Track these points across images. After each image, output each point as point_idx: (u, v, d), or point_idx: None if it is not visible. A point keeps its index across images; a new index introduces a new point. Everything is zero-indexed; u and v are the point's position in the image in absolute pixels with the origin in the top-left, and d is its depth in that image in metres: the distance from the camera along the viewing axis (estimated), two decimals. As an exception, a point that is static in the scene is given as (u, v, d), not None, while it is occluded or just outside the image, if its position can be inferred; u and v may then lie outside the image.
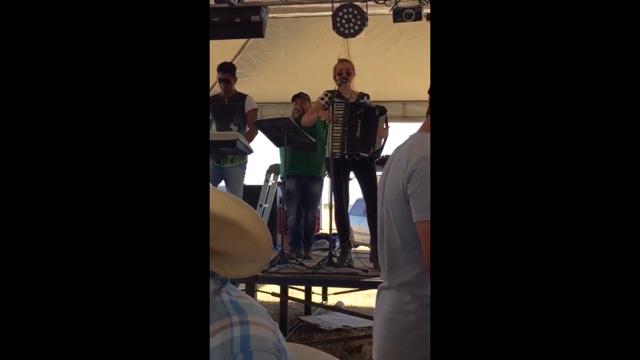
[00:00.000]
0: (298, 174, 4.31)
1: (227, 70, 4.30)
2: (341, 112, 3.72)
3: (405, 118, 6.27)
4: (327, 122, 3.87)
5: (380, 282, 1.54)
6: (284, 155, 4.45)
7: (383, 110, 3.81)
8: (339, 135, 3.70)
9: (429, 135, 1.42)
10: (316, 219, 4.71)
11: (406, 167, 1.36)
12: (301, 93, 4.63)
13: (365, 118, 3.67)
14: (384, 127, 3.83)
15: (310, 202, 4.56)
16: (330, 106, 3.69)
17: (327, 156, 3.80)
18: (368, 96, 3.90)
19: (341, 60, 3.99)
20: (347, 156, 3.68)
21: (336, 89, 3.76)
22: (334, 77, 3.86)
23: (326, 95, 3.87)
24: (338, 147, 3.69)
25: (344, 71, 3.82)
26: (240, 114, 4.29)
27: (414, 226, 1.34)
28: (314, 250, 5.13)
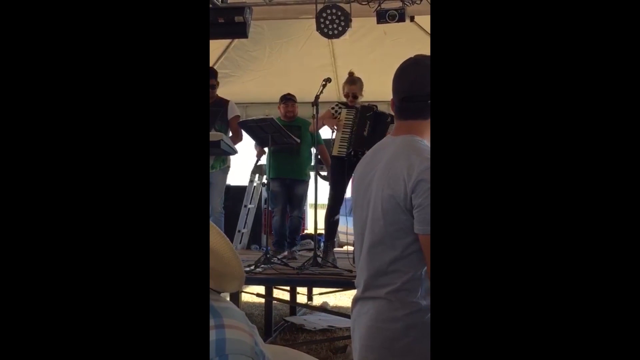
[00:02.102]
0: (282, 177, 4.30)
1: (213, 75, 4.29)
2: (351, 117, 3.86)
3: (390, 119, 6.30)
4: (333, 129, 3.99)
5: None
6: (267, 158, 4.46)
7: (393, 119, 3.87)
8: (347, 137, 3.83)
9: (419, 138, 1.37)
10: (301, 219, 4.68)
11: (408, 176, 1.28)
12: (289, 95, 4.51)
13: (374, 121, 3.78)
14: None
15: (296, 203, 4.55)
16: (341, 110, 3.89)
17: (333, 154, 3.93)
18: (376, 106, 4.01)
19: (350, 82, 4.05)
20: (352, 152, 3.77)
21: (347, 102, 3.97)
22: (345, 96, 4.03)
23: (337, 105, 4.04)
24: (344, 148, 3.82)
25: (350, 95, 3.98)
26: (222, 120, 4.24)
27: (412, 236, 1.29)
28: (299, 250, 5.12)
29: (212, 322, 0.80)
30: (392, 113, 3.80)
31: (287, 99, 4.48)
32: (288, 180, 4.31)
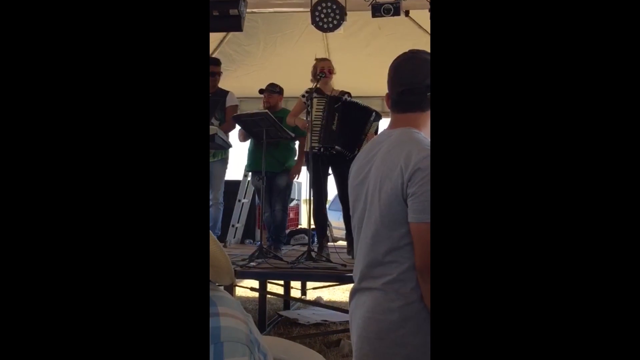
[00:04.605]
0: (260, 170, 4.07)
1: (217, 64, 4.33)
2: (321, 107, 3.69)
3: (384, 114, 6.27)
4: (303, 129, 3.86)
5: None
6: (248, 152, 4.43)
7: (378, 117, 3.69)
8: (317, 130, 3.66)
9: (416, 130, 1.38)
10: (285, 213, 4.51)
11: (406, 165, 1.29)
12: (268, 86, 4.48)
13: (343, 113, 3.59)
14: (374, 134, 3.70)
15: (277, 196, 4.40)
16: (310, 101, 3.69)
17: (306, 150, 3.78)
18: (349, 94, 3.89)
19: (321, 59, 4.03)
20: (322, 149, 3.61)
21: (315, 85, 3.77)
22: (314, 76, 3.88)
23: (307, 92, 3.90)
24: (316, 142, 3.65)
25: (325, 69, 3.87)
26: (221, 109, 4.28)
27: (407, 226, 1.30)
28: (293, 245, 5.11)
29: None
30: (378, 112, 3.69)
31: (265, 90, 4.42)
32: (268, 174, 4.16)
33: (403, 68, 1.44)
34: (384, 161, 1.37)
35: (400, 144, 1.35)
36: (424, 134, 1.39)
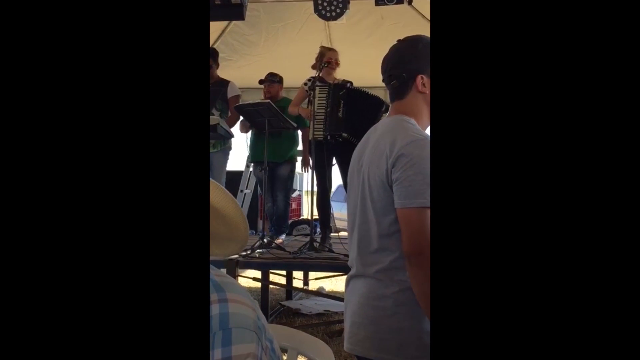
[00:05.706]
0: (263, 160, 4.04)
1: (211, 56, 4.28)
2: (324, 96, 3.63)
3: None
4: (306, 119, 3.84)
5: None
6: (250, 142, 4.42)
7: (387, 108, 3.56)
8: (322, 118, 3.61)
9: (407, 117, 1.41)
10: (288, 203, 4.49)
11: (390, 152, 1.32)
12: (267, 76, 4.45)
13: (349, 100, 3.54)
14: None
15: (279, 186, 4.38)
16: (313, 91, 3.67)
17: (310, 139, 3.74)
18: (351, 83, 3.86)
19: (330, 48, 4.00)
20: (329, 137, 3.55)
21: (318, 74, 3.75)
22: (318, 64, 3.83)
23: (309, 80, 3.86)
24: (320, 130, 3.60)
25: (333, 59, 3.85)
26: (222, 99, 4.25)
27: (394, 213, 1.32)
28: (296, 235, 5.13)
29: (215, 297, 0.81)
30: (388, 103, 3.64)
31: (264, 80, 4.41)
32: (271, 164, 4.13)
33: (383, 60, 1.50)
34: (374, 149, 1.40)
35: (388, 132, 1.39)
36: (416, 120, 1.42)
